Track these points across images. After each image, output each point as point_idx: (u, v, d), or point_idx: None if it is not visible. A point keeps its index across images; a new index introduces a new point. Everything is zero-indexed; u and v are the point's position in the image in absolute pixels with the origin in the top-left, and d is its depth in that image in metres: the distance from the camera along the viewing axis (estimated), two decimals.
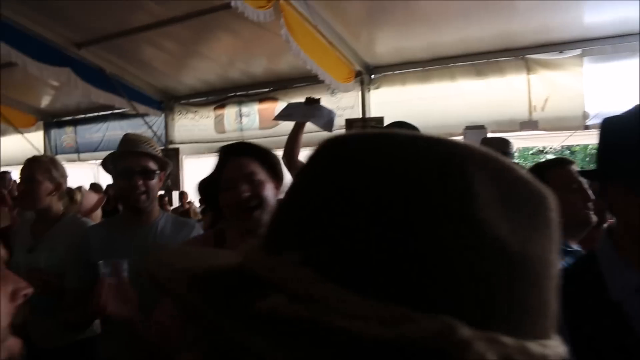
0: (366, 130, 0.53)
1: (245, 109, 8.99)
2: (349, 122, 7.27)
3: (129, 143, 2.18)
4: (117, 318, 1.72)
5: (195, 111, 9.59)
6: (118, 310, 1.72)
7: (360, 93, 7.59)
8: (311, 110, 3.55)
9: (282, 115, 3.69)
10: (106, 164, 2.24)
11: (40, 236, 2.57)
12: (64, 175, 2.68)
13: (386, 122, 7.16)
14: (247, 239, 1.64)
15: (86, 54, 7.87)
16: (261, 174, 1.77)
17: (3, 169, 13.14)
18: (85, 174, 13.02)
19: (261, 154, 1.84)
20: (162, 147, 9.87)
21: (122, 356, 1.97)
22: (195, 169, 11.31)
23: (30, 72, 7.51)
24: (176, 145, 9.91)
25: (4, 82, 9.67)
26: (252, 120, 8.92)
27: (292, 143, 3.43)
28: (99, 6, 6.46)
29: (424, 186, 0.44)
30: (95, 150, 11.48)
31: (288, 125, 8.71)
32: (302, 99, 8.06)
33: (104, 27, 7.22)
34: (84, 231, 2.33)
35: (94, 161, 12.52)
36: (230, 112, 9.19)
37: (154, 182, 2.20)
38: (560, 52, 6.50)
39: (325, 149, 0.53)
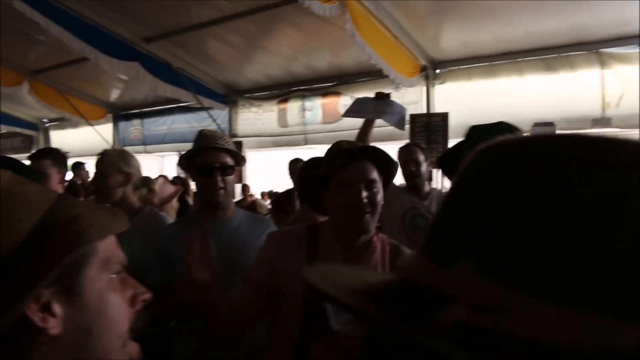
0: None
1: (308, 104, 9.12)
2: (413, 118, 7.27)
3: (207, 139, 2.24)
4: (201, 282, 1.77)
5: (259, 105, 9.80)
6: (202, 274, 1.79)
7: (424, 88, 7.56)
8: (381, 106, 3.48)
9: (351, 111, 3.64)
10: (182, 161, 2.31)
11: None
12: (134, 166, 2.75)
13: (451, 118, 7.13)
14: (344, 240, 1.71)
15: (154, 49, 8.21)
16: (379, 182, 1.82)
17: (76, 159, 13.85)
18: (151, 165, 13.55)
19: (383, 162, 1.86)
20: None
21: (195, 349, 2.07)
22: (258, 162, 11.57)
23: (101, 67, 7.91)
24: (239, 139, 10.15)
25: (77, 76, 10.22)
26: (315, 115, 9.04)
27: (362, 140, 3.41)
28: (167, 2, 6.73)
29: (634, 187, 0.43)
30: (161, 142, 11.94)
31: (351, 121, 8.77)
32: (365, 94, 8.04)
33: (172, 22, 7.50)
34: (162, 227, 2.44)
35: (159, 153, 13.03)
36: (293, 107, 9.33)
37: (231, 177, 2.27)
38: (638, 45, 6.28)
39: (492, 154, 0.52)
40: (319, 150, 10.85)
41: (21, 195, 0.80)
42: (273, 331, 1.91)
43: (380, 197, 1.80)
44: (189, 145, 8.45)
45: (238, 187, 10.40)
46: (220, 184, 2.21)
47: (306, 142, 9.42)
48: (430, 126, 7.23)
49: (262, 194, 12.04)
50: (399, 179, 4.29)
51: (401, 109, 3.57)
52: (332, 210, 1.83)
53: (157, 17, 7.44)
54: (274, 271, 1.83)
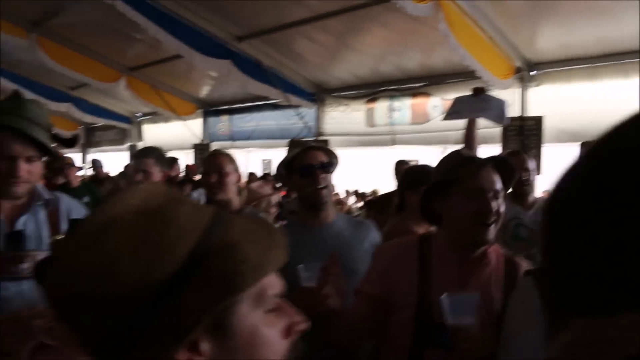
0: None
1: (396, 104, 9.21)
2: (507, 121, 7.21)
3: (301, 143, 2.38)
4: (333, 309, 1.78)
5: (347, 104, 9.98)
6: (334, 301, 1.78)
7: (519, 90, 7.47)
8: (479, 102, 3.44)
9: (451, 114, 3.63)
10: (282, 167, 2.39)
11: None
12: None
13: (546, 122, 7.02)
14: (459, 252, 1.76)
15: (246, 47, 8.57)
16: (502, 193, 1.84)
17: (169, 151, 14.58)
18: (238, 161, 14.04)
19: (508, 174, 1.88)
20: (313, 139, 10.44)
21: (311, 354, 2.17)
22: (343, 161, 11.74)
23: (194, 64, 8.37)
24: (326, 137, 10.38)
25: (170, 73, 10.81)
26: (403, 115, 9.12)
27: (469, 140, 3.40)
28: (260, 1, 7.04)
29: None
30: (248, 138, 12.39)
31: (440, 122, 8.76)
32: (455, 95, 8.06)
33: (264, 22, 7.82)
34: None
35: (246, 149, 13.51)
36: (381, 106, 9.45)
37: (330, 177, 2.34)
38: None
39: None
40: (407, 151, 10.88)
41: (176, 217, 0.73)
42: (384, 344, 1.95)
43: (503, 208, 1.82)
44: (275, 143, 8.82)
45: None
46: (322, 183, 2.27)
47: (394, 142, 9.50)
48: (523, 130, 7.15)
49: (347, 192, 12.23)
50: None
51: (499, 103, 3.48)
52: (452, 219, 1.83)
53: (250, 17, 7.79)
54: (385, 285, 1.87)
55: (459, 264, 1.85)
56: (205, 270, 0.71)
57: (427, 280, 1.84)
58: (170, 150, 14.69)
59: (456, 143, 9.07)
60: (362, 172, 12.78)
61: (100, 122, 15.60)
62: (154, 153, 3.29)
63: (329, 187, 2.33)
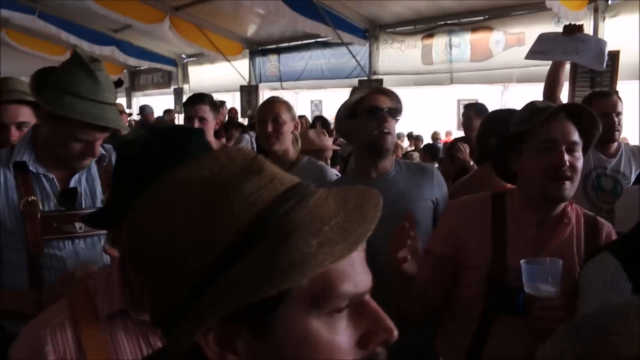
0: None
1: (455, 39, 8.92)
2: None
3: (366, 86, 2.35)
4: (407, 272, 1.70)
5: (402, 41, 9.75)
6: (410, 266, 1.70)
7: (592, 22, 7.13)
8: (572, 42, 3.14)
9: (536, 52, 3.30)
10: (346, 107, 2.33)
11: None
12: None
13: (622, 57, 6.70)
14: (537, 210, 1.71)
15: None
16: (580, 146, 1.74)
17: (215, 93, 14.66)
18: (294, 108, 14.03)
19: (587, 124, 1.78)
20: (366, 78, 10.30)
21: None
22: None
23: (241, 2, 8.29)
24: (380, 76, 10.21)
25: (216, 12, 10.73)
26: (462, 52, 8.84)
27: (554, 83, 3.19)
28: None
29: None
30: (297, 79, 12.29)
31: (503, 58, 8.51)
32: (521, 29, 7.79)
33: None
34: (324, 179, 2.58)
35: (295, 90, 13.46)
36: (439, 42, 9.18)
37: (394, 123, 2.30)
38: None
39: None
40: (466, 90, 10.65)
41: (238, 191, 0.68)
42: (451, 307, 1.92)
43: (581, 162, 1.73)
44: (326, 83, 8.75)
45: None
46: (388, 127, 2.23)
47: (452, 81, 9.27)
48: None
49: (399, 136, 11.99)
50: None
51: (597, 44, 3.19)
52: (526, 174, 1.77)
53: None
54: (457, 244, 1.83)
55: (536, 223, 1.80)
56: (248, 256, 0.65)
57: (501, 240, 1.79)
58: (217, 92, 14.83)
59: (519, 81, 8.91)
60: (418, 113, 12.59)
61: (145, 64, 15.75)
62: (208, 99, 3.29)
63: (393, 134, 2.30)
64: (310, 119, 13.06)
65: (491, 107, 11.13)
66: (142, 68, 17.29)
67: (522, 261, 1.62)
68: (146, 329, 1.20)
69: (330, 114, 14.63)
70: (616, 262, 1.47)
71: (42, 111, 1.80)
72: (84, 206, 1.94)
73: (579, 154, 1.74)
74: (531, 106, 1.84)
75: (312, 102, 14.46)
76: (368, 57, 10.31)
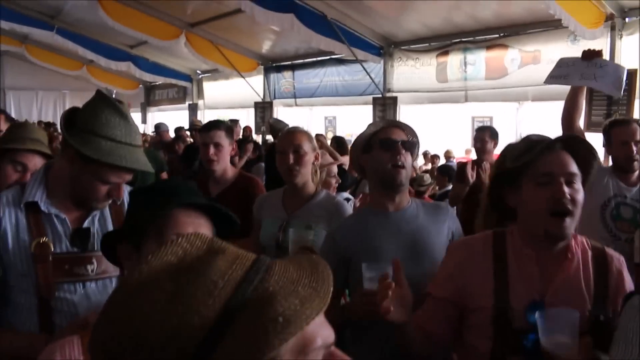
0: None
1: (470, 57, 8.91)
2: None
3: (379, 122, 2.31)
4: (394, 322, 1.70)
5: (416, 58, 9.75)
6: (397, 315, 1.68)
7: (608, 40, 7.08)
8: (591, 68, 3.15)
9: (555, 77, 3.31)
10: (361, 140, 2.30)
11: (294, 212, 2.67)
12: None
13: None
14: (538, 247, 1.67)
15: (310, 0, 8.46)
16: (579, 177, 1.71)
17: (226, 111, 14.74)
18: (301, 118, 14.08)
19: (584, 156, 1.75)
20: (380, 95, 10.31)
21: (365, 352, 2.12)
22: (413, 119, 11.58)
23: (256, 19, 8.34)
24: (394, 94, 10.21)
25: (231, 28, 10.83)
26: (477, 70, 8.82)
27: (571, 109, 3.18)
28: None
29: None
30: (312, 96, 12.32)
31: (518, 76, 8.50)
32: (537, 47, 7.77)
33: None
34: (339, 216, 2.53)
35: (309, 107, 13.50)
36: (453, 60, 9.17)
37: (410, 158, 2.24)
38: None
39: None
40: (480, 108, 10.61)
41: (208, 273, 0.71)
42: (460, 350, 1.89)
43: (581, 195, 1.69)
44: (340, 100, 8.79)
45: None
46: (402, 160, 2.18)
47: (467, 99, 9.26)
48: None
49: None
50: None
51: (616, 70, 3.18)
52: (526, 209, 1.74)
53: None
54: (459, 287, 1.80)
55: (537, 259, 1.74)
56: (235, 329, 0.68)
57: (504, 279, 1.74)
58: (231, 108, 14.91)
59: (534, 99, 8.86)
60: (432, 130, 12.55)
61: (160, 80, 15.88)
62: (223, 124, 3.29)
63: (408, 168, 2.22)
64: (325, 134, 13.11)
65: (506, 125, 11.21)
66: (157, 83, 17.43)
67: (537, 314, 1.57)
68: None
69: (344, 131, 14.66)
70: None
71: (69, 152, 1.74)
72: (96, 247, 1.88)
73: (578, 185, 1.69)
74: (526, 140, 1.81)
75: (326, 118, 14.48)
76: (382, 75, 10.32)
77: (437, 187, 7.97)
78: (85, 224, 1.89)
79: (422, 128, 12.39)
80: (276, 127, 6.78)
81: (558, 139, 1.75)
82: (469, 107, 10.21)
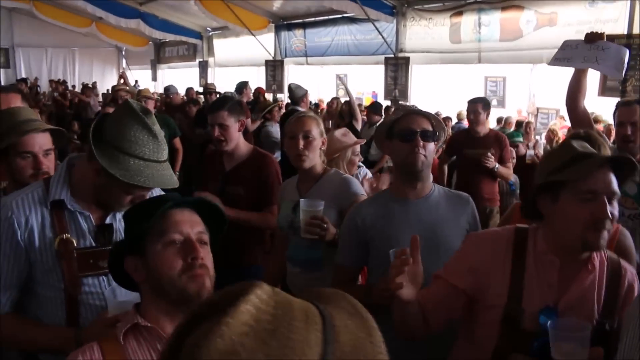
0: None
1: (485, 18, 8.79)
2: (610, 39, 6.76)
3: (404, 107, 2.28)
4: (402, 299, 1.72)
5: (430, 18, 9.63)
6: (406, 292, 1.71)
7: (628, 2, 6.96)
8: (593, 51, 3.19)
9: (559, 59, 3.34)
10: (381, 128, 2.31)
11: (305, 193, 2.73)
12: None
13: None
14: (562, 254, 1.69)
15: None
16: (618, 195, 1.71)
17: (236, 69, 14.67)
18: (312, 78, 14.00)
19: (625, 171, 1.75)
20: (392, 56, 10.22)
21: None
22: (425, 80, 11.50)
23: None
24: (407, 54, 10.13)
25: None
26: (492, 31, 8.70)
27: (575, 91, 3.22)
28: None
29: None
30: (323, 54, 12.24)
31: (533, 39, 8.38)
32: (553, 8, 7.65)
33: None
34: (352, 195, 2.58)
35: (320, 66, 13.41)
36: (467, 21, 9.05)
37: (432, 146, 2.24)
38: None
39: None
40: (494, 69, 10.50)
41: (294, 338, 0.72)
42: (464, 343, 1.92)
43: (617, 211, 1.70)
44: (351, 59, 8.73)
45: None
46: (422, 151, 2.16)
47: (480, 60, 9.18)
48: (630, 50, 6.69)
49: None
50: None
51: (618, 52, 3.18)
52: (561, 221, 1.73)
53: None
54: (474, 279, 1.81)
55: (560, 267, 1.75)
56: None
57: (520, 280, 1.76)
58: (242, 65, 14.83)
59: (549, 62, 8.67)
60: (444, 90, 12.46)
61: (170, 37, 15.79)
62: (227, 104, 3.26)
63: (428, 157, 2.21)
64: (335, 93, 13.05)
65: (519, 85, 11.09)
66: (167, 40, 17.32)
67: (549, 323, 1.60)
68: (154, 339, 1.41)
69: (355, 89, 14.56)
70: None
71: (96, 164, 1.74)
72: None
73: (616, 203, 1.70)
74: (569, 150, 1.77)
75: (337, 75, 14.36)
76: (395, 34, 10.22)
77: None
78: (108, 220, 1.93)
79: (434, 89, 12.31)
80: (297, 94, 6.73)
81: (609, 159, 1.72)
82: (482, 67, 10.11)
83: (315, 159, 2.73)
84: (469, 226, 2.29)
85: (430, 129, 2.20)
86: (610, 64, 3.17)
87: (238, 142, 3.22)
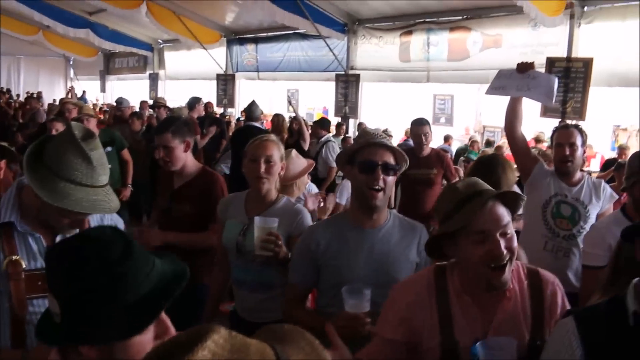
0: None
1: (433, 38, 9.00)
2: (551, 62, 7.03)
3: (370, 135, 2.27)
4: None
5: (380, 36, 9.80)
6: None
7: (567, 28, 7.24)
8: (525, 79, 3.36)
9: (494, 89, 3.52)
10: (342, 157, 2.30)
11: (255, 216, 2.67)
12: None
13: (595, 65, 6.83)
14: (474, 294, 1.72)
15: None
16: (511, 222, 1.73)
17: (188, 82, 14.57)
18: (263, 91, 14.02)
19: (513, 203, 1.78)
20: (343, 72, 10.34)
21: None
22: (375, 97, 11.65)
23: None
24: (357, 71, 10.27)
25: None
26: (440, 51, 8.91)
27: (512, 118, 3.36)
28: None
29: None
30: (275, 70, 12.28)
31: (479, 59, 8.58)
32: (498, 31, 7.91)
33: None
34: (302, 222, 2.59)
35: (272, 81, 13.46)
36: (417, 40, 9.25)
37: (392, 179, 2.23)
38: None
39: None
40: (442, 89, 10.70)
41: None
42: None
43: (515, 240, 1.71)
44: (303, 75, 8.75)
45: (353, 125, 10.59)
46: (381, 184, 2.16)
47: (428, 79, 9.36)
48: (569, 72, 6.98)
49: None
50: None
51: (548, 81, 3.35)
52: (463, 263, 1.76)
53: None
54: (407, 328, 1.81)
55: (479, 301, 1.76)
56: None
57: (448, 317, 1.77)
58: (193, 79, 14.75)
59: (486, 91, 8.87)
60: (394, 108, 12.65)
61: (120, 48, 15.57)
62: (172, 126, 3.25)
63: (387, 190, 2.20)
64: (286, 109, 13.08)
65: (466, 104, 11.34)
66: (117, 51, 17.09)
67: (477, 344, 1.64)
68: None
69: (306, 104, 14.65)
70: (574, 326, 1.46)
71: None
72: None
73: (511, 231, 1.71)
74: (454, 194, 1.80)
75: (288, 90, 14.41)
76: (346, 52, 10.36)
77: None
78: (58, 241, 1.91)
79: (383, 106, 12.45)
80: (255, 112, 6.69)
81: (487, 196, 1.73)
82: (431, 86, 10.32)
83: (273, 183, 2.73)
84: (420, 258, 2.27)
85: (392, 162, 2.18)
86: (541, 91, 3.33)
87: (185, 161, 3.21)
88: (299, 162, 3.45)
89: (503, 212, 1.71)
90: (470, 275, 1.75)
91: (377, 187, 2.13)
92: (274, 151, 2.69)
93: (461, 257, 1.75)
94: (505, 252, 1.66)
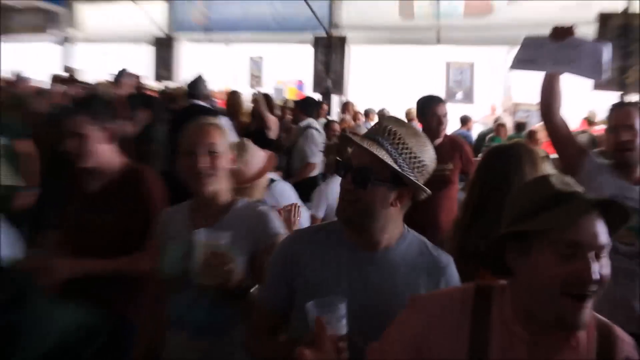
0: None
1: None
2: (604, 18, 7.07)
3: (349, 140, 2.26)
4: None
5: None
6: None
7: None
8: (564, 50, 3.31)
9: (522, 62, 3.48)
10: (330, 149, 2.34)
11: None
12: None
13: None
14: (530, 329, 1.69)
15: None
16: (609, 247, 1.66)
17: (112, 47, 14.49)
18: (215, 58, 13.96)
19: (617, 220, 1.72)
20: (324, 34, 10.34)
21: None
22: (368, 66, 11.63)
23: None
24: (343, 32, 10.29)
25: None
26: (454, 6, 8.97)
27: (548, 98, 3.38)
28: None
29: None
30: (232, 29, 12.23)
31: (506, 16, 8.61)
32: None
33: None
34: (263, 226, 2.58)
35: (226, 44, 13.42)
36: None
37: (373, 190, 2.11)
38: None
39: None
40: (457, 53, 10.72)
41: None
42: None
43: (608, 270, 1.64)
44: (270, 36, 8.74)
45: (336, 103, 10.58)
46: (353, 196, 2.07)
47: (439, 40, 9.44)
48: (627, 31, 7.06)
49: (367, 112, 11.57)
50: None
51: (595, 50, 3.29)
52: (530, 280, 1.68)
53: None
54: (420, 351, 1.79)
55: (529, 343, 1.71)
56: None
57: (482, 353, 1.73)
58: (121, 42, 14.66)
59: (510, 64, 8.77)
60: (392, 81, 12.65)
61: (18, 4, 15.44)
62: (88, 108, 3.19)
63: (365, 201, 2.06)
64: (248, 83, 13.06)
65: (491, 74, 11.36)
66: (12, 5, 16.92)
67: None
68: None
69: (274, 77, 14.54)
70: None
71: None
72: None
73: (606, 259, 1.64)
74: (545, 187, 1.74)
75: (251, 59, 14.33)
76: (328, 7, 10.39)
77: None
78: None
79: (379, 78, 12.35)
80: (201, 87, 6.60)
81: (596, 203, 1.67)
82: (443, 50, 10.35)
83: (222, 181, 2.68)
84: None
85: (370, 165, 2.04)
86: (587, 63, 3.28)
87: (106, 155, 3.15)
88: (259, 155, 3.41)
89: (602, 229, 1.65)
90: (534, 302, 1.69)
91: (346, 199, 2.06)
92: (217, 137, 2.60)
93: (529, 272, 1.68)
94: (595, 279, 1.58)
